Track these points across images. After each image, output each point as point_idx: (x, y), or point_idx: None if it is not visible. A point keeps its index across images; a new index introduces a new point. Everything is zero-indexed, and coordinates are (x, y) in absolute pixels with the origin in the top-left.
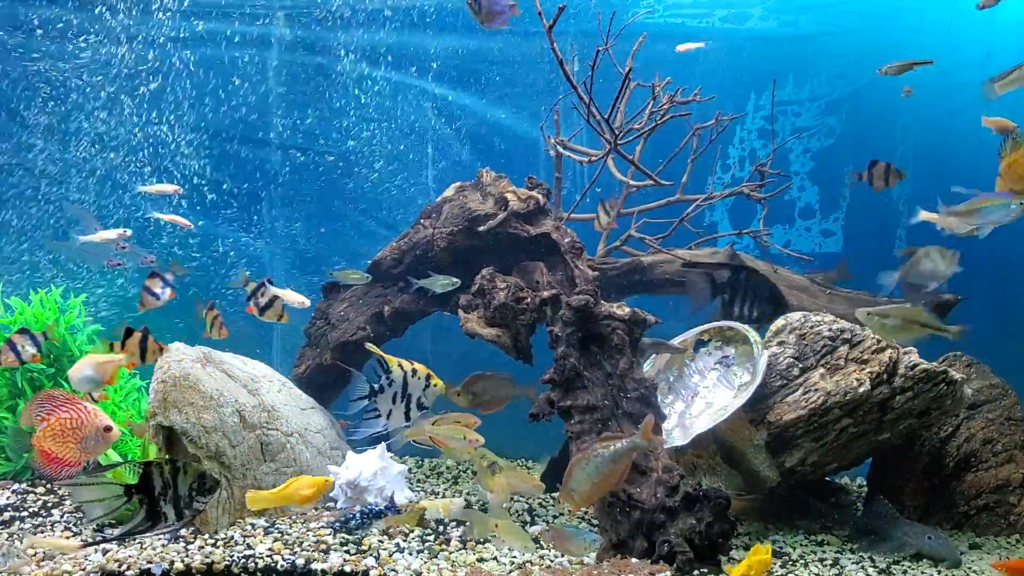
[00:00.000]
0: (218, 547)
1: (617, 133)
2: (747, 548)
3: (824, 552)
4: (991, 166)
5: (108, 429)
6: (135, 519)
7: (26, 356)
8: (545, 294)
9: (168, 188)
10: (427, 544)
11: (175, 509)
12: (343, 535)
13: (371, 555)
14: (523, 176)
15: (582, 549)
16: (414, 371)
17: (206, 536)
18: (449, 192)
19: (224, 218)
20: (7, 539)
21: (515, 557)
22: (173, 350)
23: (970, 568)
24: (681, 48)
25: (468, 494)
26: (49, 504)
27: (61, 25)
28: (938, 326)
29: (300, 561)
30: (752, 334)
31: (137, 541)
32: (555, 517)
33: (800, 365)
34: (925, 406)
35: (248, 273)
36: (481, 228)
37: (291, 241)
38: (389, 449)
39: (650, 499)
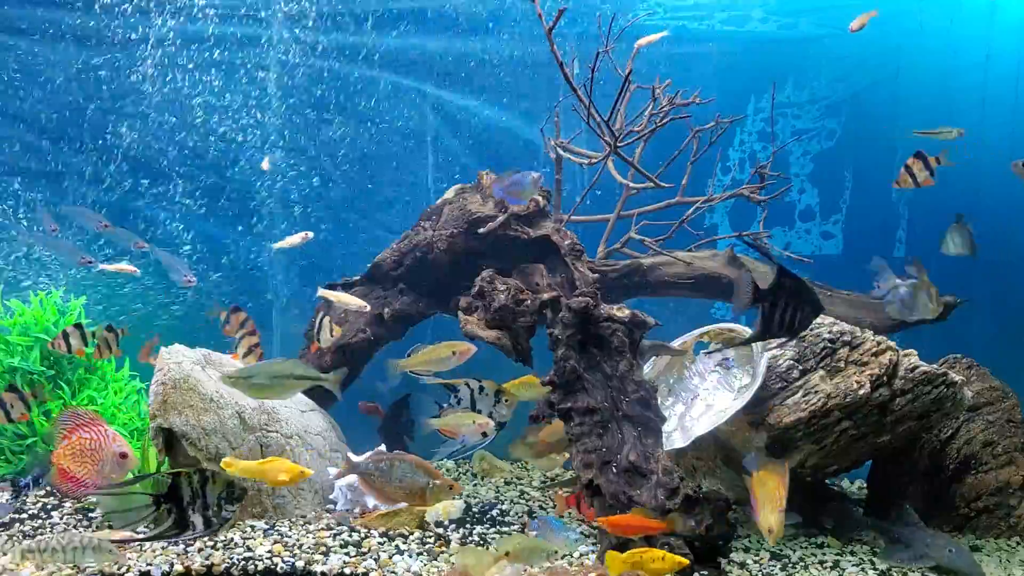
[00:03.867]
0: (218, 549)
1: (617, 135)
2: (747, 550)
3: (824, 554)
4: (990, 169)
5: (123, 456)
6: (163, 526)
7: (15, 415)
8: (545, 296)
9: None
10: (427, 546)
11: (203, 518)
12: (343, 537)
13: (371, 557)
14: None
15: (561, 545)
16: (481, 388)
17: (206, 538)
18: (449, 194)
19: (223, 220)
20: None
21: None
22: (173, 352)
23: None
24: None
25: (468, 495)
26: (49, 507)
27: (53, 28)
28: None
29: (300, 563)
30: None
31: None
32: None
33: (800, 367)
34: (925, 408)
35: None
36: (481, 230)
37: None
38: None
39: (650, 501)
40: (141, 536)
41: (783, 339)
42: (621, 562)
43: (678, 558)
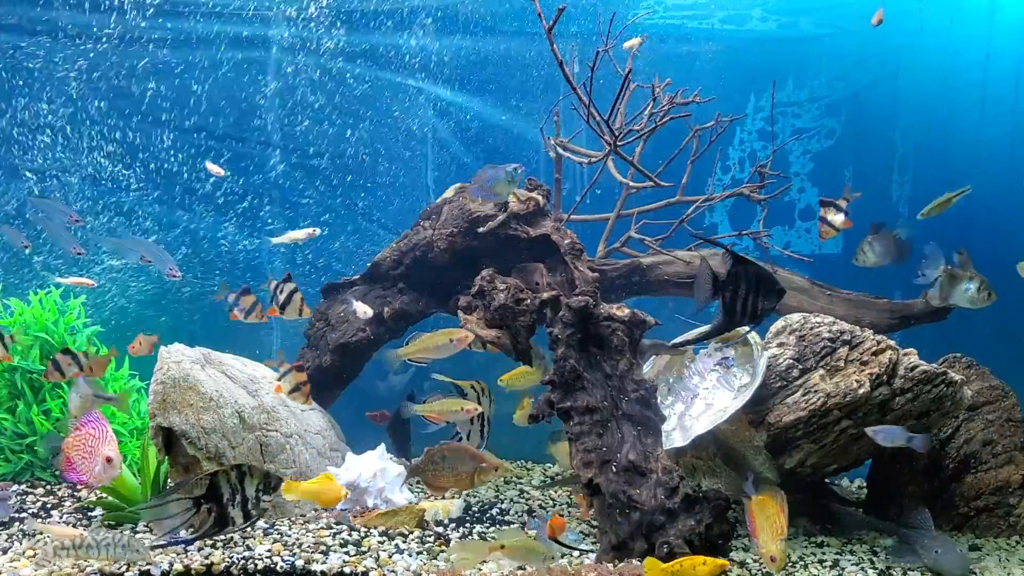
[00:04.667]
0: (217, 548)
1: (617, 134)
2: (747, 549)
3: (824, 554)
4: (990, 169)
5: (108, 460)
6: (205, 525)
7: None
8: (545, 295)
9: None
10: (426, 545)
11: (243, 512)
12: (343, 536)
13: (370, 556)
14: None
15: (547, 549)
16: (483, 389)
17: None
18: (449, 193)
19: (223, 219)
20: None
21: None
22: (172, 351)
23: (971, 571)
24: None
25: (468, 495)
26: (49, 505)
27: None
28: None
29: (299, 562)
30: (752, 335)
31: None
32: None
33: (800, 366)
34: (925, 408)
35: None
36: (481, 229)
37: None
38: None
39: (650, 500)
40: (187, 538)
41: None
42: (661, 570)
43: (720, 561)
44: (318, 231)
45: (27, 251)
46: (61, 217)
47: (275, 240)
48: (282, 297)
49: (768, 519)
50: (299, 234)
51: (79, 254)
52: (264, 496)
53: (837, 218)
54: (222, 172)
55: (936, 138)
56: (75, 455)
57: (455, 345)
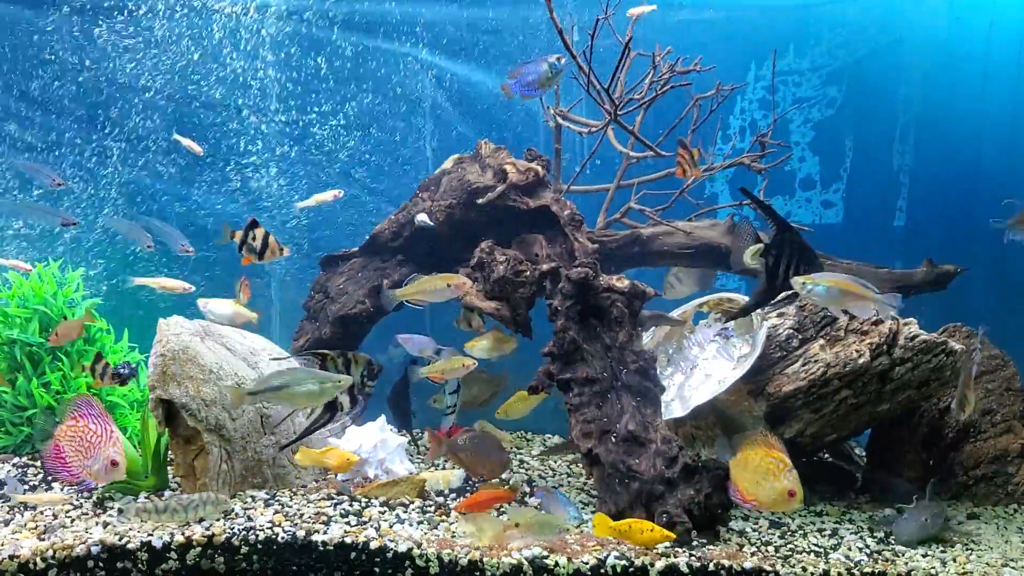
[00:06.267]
0: (218, 520)
1: (617, 103)
2: (747, 518)
3: (823, 523)
4: (992, 138)
5: (114, 464)
6: (315, 414)
7: None
8: (544, 267)
9: None
10: (427, 515)
11: (349, 397)
12: (344, 507)
13: (372, 526)
14: (522, 148)
15: (562, 521)
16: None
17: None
18: (447, 164)
19: (214, 187)
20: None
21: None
22: (171, 323)
23: (969, 538)
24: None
25: None
26: (50, 478)
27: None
28: None
29: (301, 533)
30: None
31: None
32: (554, 488)
33: (800, 336)
34: (924, 377)
35: (230, 228)
36: (480, 201)
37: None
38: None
39: (649, 470)
40: (296, 437)
41: (786, 298)
42: (608, 528)
43: (666, 531)
44: (342, 193)
45: (150, 249)
46: (45, 179)
47: (300, 204)
48: (257, 244)
49: (760, 464)
50: (325, 196)
51: (150, 249)
52: (370, 382)
53: (688, 164)
54: (200, 150)
55: (938, 107)
56: (66, 444)
57: (452, 291)
